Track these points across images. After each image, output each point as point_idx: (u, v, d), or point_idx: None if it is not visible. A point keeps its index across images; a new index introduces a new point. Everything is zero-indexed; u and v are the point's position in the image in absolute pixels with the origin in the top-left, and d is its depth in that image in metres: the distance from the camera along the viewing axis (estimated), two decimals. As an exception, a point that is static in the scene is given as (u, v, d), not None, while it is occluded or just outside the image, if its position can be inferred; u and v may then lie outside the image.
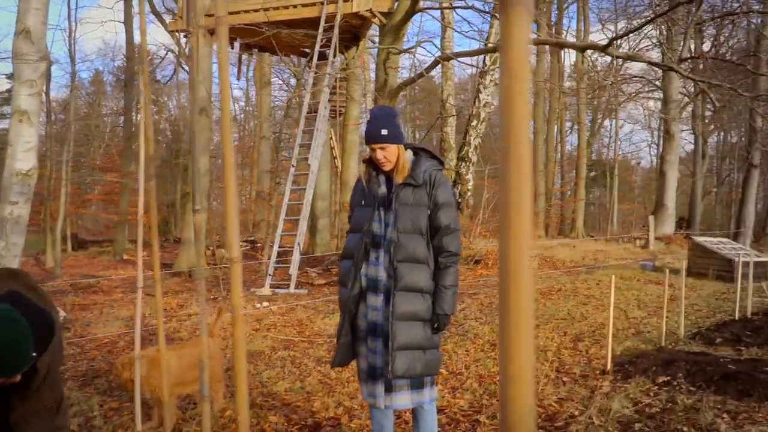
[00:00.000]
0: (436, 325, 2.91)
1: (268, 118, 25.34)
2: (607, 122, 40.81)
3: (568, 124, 36.44)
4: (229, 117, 1.52)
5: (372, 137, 2.86)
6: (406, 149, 2.99)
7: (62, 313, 8.43)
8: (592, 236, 25.24)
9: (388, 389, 2.91)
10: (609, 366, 5.00)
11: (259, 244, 19.42)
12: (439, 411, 4.18)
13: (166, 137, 34.76)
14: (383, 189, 2.97)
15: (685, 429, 3.59)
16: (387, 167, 2.92)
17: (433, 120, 22.78)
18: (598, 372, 5.01)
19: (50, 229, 17.77)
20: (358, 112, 15.53)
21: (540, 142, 29.03)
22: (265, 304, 9.18)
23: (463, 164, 14.05)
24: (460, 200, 13.96)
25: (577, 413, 3.99)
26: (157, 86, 30.77)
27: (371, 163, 2.98)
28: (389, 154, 2.88)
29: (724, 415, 3.81)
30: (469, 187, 14.08)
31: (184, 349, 4.01)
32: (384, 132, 2.84)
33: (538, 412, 4.09)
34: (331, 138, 18.28)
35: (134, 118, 21.34)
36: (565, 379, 4.89)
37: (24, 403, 2.26)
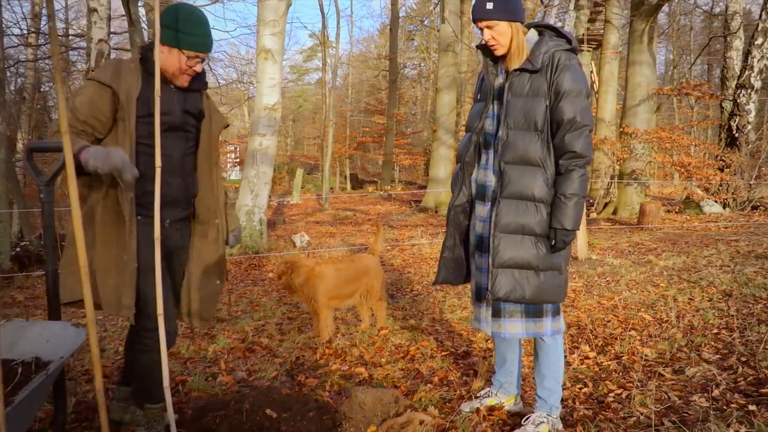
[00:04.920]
0: (553, 243, 2.40)
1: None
2: None
3: None
4: None
5: (476, 12, 2.38)
6: (528, 30, 2.46)
7: (306, 237, 9.33)
8: None
9: (496, 314, 2.51)
10: None
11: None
12: (615, 357, 3.57)
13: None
14: (500, 79, 2.50)
15: None
16: (499, 51, 2.43)
17: (705, 42, 19.29)
18: None
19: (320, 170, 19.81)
20: (617, 39, 13.87)
21: None
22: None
23: (743, 92, 11.64)
24: (737, 134, 11.70)
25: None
26: (427, 29, 31.91)
27: (485, 50, 2.51)
28: (499, 35, 2.37)
29: None
30: (750, 120, 11.65)
31: (342, 263, 4.03)
32: (489, 5, 2.33)
33: None
34: (591, 71, 16.98)
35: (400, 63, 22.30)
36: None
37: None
